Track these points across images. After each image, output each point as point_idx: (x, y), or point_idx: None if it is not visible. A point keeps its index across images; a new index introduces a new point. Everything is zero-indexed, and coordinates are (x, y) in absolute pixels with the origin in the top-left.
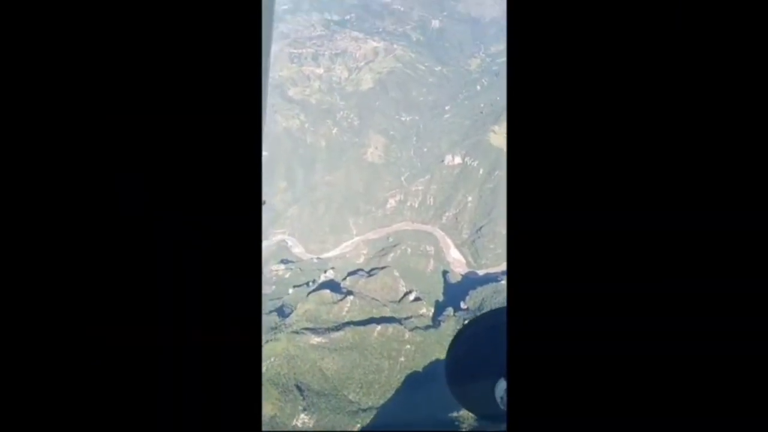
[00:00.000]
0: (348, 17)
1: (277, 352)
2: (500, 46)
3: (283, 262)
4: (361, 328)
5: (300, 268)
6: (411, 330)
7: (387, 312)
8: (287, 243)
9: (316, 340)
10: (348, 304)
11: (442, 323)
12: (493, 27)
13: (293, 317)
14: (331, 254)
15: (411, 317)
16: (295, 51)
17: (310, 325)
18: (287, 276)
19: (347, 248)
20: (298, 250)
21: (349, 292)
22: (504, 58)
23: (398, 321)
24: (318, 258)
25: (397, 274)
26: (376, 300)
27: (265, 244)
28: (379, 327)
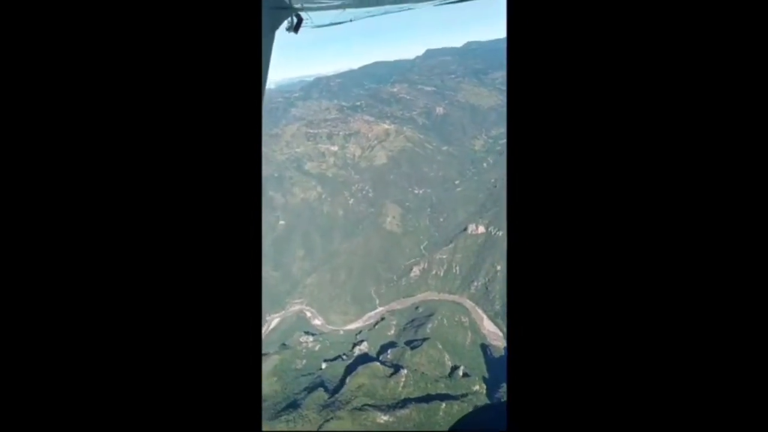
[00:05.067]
0: (358, 103)
1: None
2: (500, 129)
3: (307, 333)
4: (425, 405)
5: (329, 341)
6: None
7: (442, 388)
8: (306, 314)
9: (383, 418)
10: (403, 379)
11: (502, 401)
12: (492, 113)
13: (346, 393)
14: (354, 326)
15: (467, 394)
16: (310, 131)
17: (370, 401)
18: (317, 349)
19: (371, 319)
20: (317, 321)
21: (399, 366)
22: (505, 140)
23: (456, 398)
24: (343, 330)
25: (440, 346)
26: (426, 374)
27: (282, 314)
28: (443, 405)
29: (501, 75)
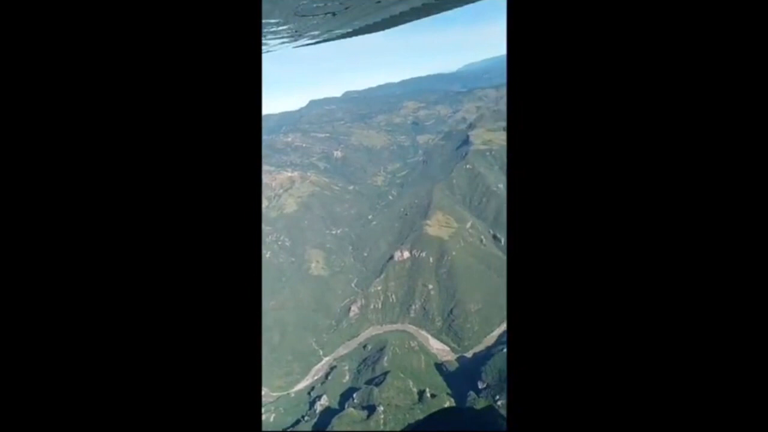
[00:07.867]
0: None
1: None
2: (396, 165)
3: None
4: None
5: (282, 408)
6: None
7: (419, 414)
8: None
9: None
10: (381, 416)
11: (475, 407)
12: (384, 151)
13: None
14: (303, 384)
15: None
16: None
17: None
18: (271, 420)
19: (320, 372)
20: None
21: (372, 406)
22: (404, 173)
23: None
24: (293, 392)
25: (402, 375)
26: (400, 406)
27: None
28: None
29: (385, 117)
